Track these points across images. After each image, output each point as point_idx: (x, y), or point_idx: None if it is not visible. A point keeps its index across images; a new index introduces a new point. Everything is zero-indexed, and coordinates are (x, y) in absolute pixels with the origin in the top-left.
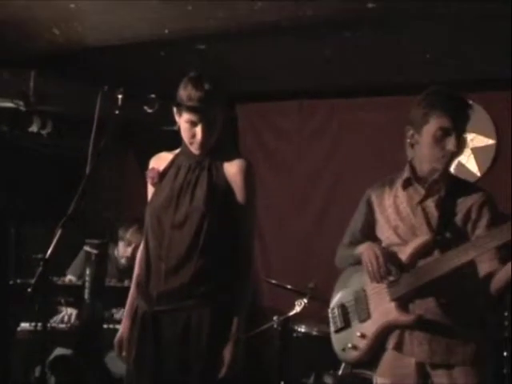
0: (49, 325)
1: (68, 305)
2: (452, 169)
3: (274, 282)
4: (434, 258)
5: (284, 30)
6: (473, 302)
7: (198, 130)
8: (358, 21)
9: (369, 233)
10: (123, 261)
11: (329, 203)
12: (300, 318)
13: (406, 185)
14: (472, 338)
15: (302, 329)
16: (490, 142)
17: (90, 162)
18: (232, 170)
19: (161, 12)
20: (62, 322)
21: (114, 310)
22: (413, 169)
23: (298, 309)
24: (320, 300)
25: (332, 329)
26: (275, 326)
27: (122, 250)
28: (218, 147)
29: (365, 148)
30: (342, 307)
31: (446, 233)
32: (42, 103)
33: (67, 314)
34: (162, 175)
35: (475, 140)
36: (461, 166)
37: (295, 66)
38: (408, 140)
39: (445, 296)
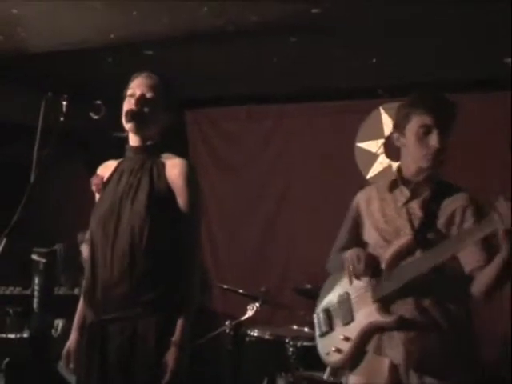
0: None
1: (16, 315)
2: None
3: (225, 286)
4: (414, 258)
5: (231, 36)
6: (452, 303)
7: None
8: (303, 26)
9: (357, 237)
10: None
11: (279, 207)
12: (253, 322)
13: (393, 187)
14: (448, 342)
15: (255, 333)
16: None
17: (35, 170)
18: (173, 172)
19: (106, 17)
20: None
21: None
22: (400, 171)
23: (250, 313)
24: (272, 304)
25: (317, 333)
26: (227, 330)
27: (85, 254)
28: (161, 147)
29: (313, 152)
30: (327, 311)
31: (429, 234)
32: None
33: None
34: (106, 182)
35: None
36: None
37: (244, 71)
38: (395, 144)
39: (424, 297)
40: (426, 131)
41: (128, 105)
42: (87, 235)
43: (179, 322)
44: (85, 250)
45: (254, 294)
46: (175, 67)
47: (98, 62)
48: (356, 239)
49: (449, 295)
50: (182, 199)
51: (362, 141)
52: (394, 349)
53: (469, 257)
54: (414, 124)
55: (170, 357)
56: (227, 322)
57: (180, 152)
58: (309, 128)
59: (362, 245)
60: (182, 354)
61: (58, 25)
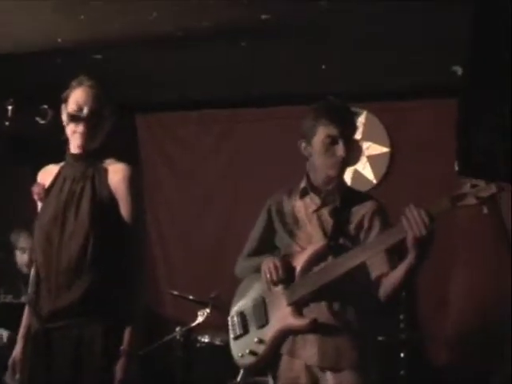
0: None
1: None
2: (349, 177)
3: (175, 293)
4: (326, 263)
5: (181, 40)
6: (362, 305)
7: (81, 127)
8: (253, 31)
9: (268, 242)
10: (25, 269)
11: (231, 213)
12: (203, 328)
13: (303, 194)
14: (359, 342)
15: (206, 339)
16: (385, 149)
17: None
18: (115, 178)
19: (54, 21)
20: None
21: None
22: (309, 179)
23: (200, 319)
24: (223, 309)
25: (231, 336)
26: (178, 336)
27: (19, 259)
28: (103, 152)
29: (265, 157)
30: (241, 314)
31: (340, 240)
32: None
33: None
34: (48, 190)
35: (370, 148)
36: (357, 173)
37: (195, 76)
38: (303, 152)
39: (336, 300)
40: (332, 141)
41: (75, 119)
42: (21, 241)
43: (127, 331)
44: (19, 257)
45: (204, 300)
46: (125, 72)
47: (46, 66)
48: (266, 244)
49: (358, 298)
50: (124, 207)
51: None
52: (308, 350)
53: (374, 264)
54: (321, 135)
55: (120, 366)
56: (177, 328)
57: (130, 157)
58: (261, 133)
59: (273, 250)
60: (131, 363)
61: (3, 27)
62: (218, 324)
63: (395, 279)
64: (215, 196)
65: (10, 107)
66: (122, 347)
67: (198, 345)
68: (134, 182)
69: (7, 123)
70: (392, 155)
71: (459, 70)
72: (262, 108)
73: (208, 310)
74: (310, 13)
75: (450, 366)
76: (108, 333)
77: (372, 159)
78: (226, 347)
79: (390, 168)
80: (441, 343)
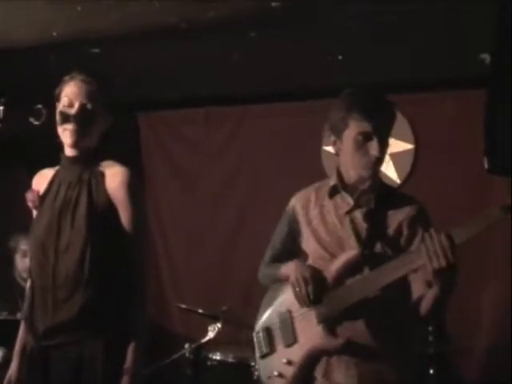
0: None
1: None
2: None
3: (183, 306)
4: (362, 276)
5: (185, 33)
6: (402, 323)
7: (71, 124)
8: (263, 21)
9: (292, 246)
10: (25, 274)
11: (241, 218)
12: (215, 344)
13: (333, 193)
14: (400, 362)
15: (217, 356)
16: (409, 146)
17: None
18: (113, 182)
19: (48, 13)
20: None
21: None
22: (340, 176)
23: (211, 334)
24: (235, 323)
25: (257, 354)
26: (187, 354)
27: (20, 264)
28: (99, 154)
29: (277, 156)
30: (267, 330)
31: (376, 247)
32: None
33: None
34: (43, 196)
35: (393, 145)
36: (380, 173)
37: (201, 70)
38: (331, 147)
39: (373, 317)
40: (365, 139)
41: (65, 116)
42: (21, 244)
43: (130, 348)
44: (19, 261)
45: (215, 314)
46: (125, 67)
47: (39, 62)
48: (292, 247)
49: (396, 315)
50: (124, 214)
51: (329, 144)
52: (345, 372)
53: (416, 279)
54: (352, 130)
55: None
56: (186, 345)
57: (132, 159)
58: (272, 131)
59: (299, 253)
60: (134, 382)
61: None
62: (230, 340)
63: (425, 311)
64: (224, 199)
65: (1, 107)
66: (124, 366)
67: (209, 362)
68: (134, 187)
69: None
70: (416, 152)
71: (487, 59)
72: (273, 103)
73: (219, 325)
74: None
75: (481, 381)
76: (109, 350)
77: (395, 157)
78: (238, 365)
79: (415, 166)
80: (472, 357)
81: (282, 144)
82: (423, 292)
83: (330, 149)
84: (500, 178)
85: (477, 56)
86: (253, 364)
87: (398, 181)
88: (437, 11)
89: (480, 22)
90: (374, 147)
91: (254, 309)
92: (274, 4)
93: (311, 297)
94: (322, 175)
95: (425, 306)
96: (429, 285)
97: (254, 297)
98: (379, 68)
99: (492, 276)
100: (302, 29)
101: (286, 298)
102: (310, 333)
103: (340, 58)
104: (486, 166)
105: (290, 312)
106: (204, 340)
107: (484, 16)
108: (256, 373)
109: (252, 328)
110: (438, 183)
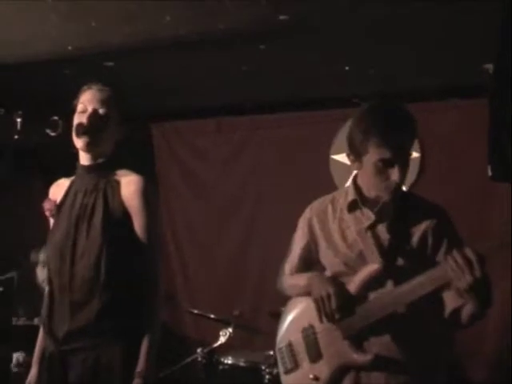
0: None
1: None
2: None
3: (196, 311)
4: (387, 291)
5: (197, 45)
6: (431, 336)
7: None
8: (271, 33)
9: (310, 258)
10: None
11: (252, 225)
12: (226, 348)
13: (353, 207)
14: (430, 377)
15: (229, 360)
16: (415, 155)
17: None
18: (128, 190)
19: (63, 28)
20: None
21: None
22: (358, 190)
23: (222, 339)
24: (246, 328)
25: (281, 370)
26: (199, 358)
27: (40, 275)
28: (114, 163)
29: (287, 165)
30: (290, 346)
31: (399, 260)
32: None
33: None
34: (60, 205)
35: None
36: None
37: (212, 81)
38: (349, 162)
39: (401, 330)
40: (385, 165)
41: (79, 121)
42: (41, 256)
43: (142, 352)
44: (40, 272)
45: (227, 319)
46: (138, 79)
47: (55, 76)
48: (310, 259)
49: (425, 327)
50: (138, 221)
51: (337, 153)
52: None
53: (447, 296)
54: (373, 156)
55: None
56: (199, 350)
57: (146, 168)
58: (282, 140)
59: (316, 264)
60: None
61: (11, 36)
62: (241, 344)
63: (463, 326)
64: (235, 207)
65: (18, 120)
66: (137, 369)
67: (221, 367)
68: (148, 195)
69: (16, 136)
70: (422, 161)
71: (491, 68)
72: (283, 113)
73: (231, 330)
74: (332, 11)
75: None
76: (126, 354)
77: None
78: (250, 369)
79: (421, 175)
80: (480, 360)
81: (292, 153)
82: (457, 303)
83: (338, 158)
84: (504, 186)
85: (481, 66)
86: (263, 368)
87: (404, 189)
88: (442, 21)
89: (484, 32)
90: (395, 174)
91: (264, 314)
92: (281, 17)
93: (336, 315)
94: (331, 184)
95: (464, 322)
96: (461, 295)
97: (265, 303)
98: (385, 77)
99: (500, 278)
100: (308, 40)
101: (307, 312)
102: (336, 348)
103: (347, 68)
104: (490, 173)
105: (312, 327)
106: (216, 344)
107: (488, 26)
108: (267, 376)
109: (262, 333)
110: (443, 191)
